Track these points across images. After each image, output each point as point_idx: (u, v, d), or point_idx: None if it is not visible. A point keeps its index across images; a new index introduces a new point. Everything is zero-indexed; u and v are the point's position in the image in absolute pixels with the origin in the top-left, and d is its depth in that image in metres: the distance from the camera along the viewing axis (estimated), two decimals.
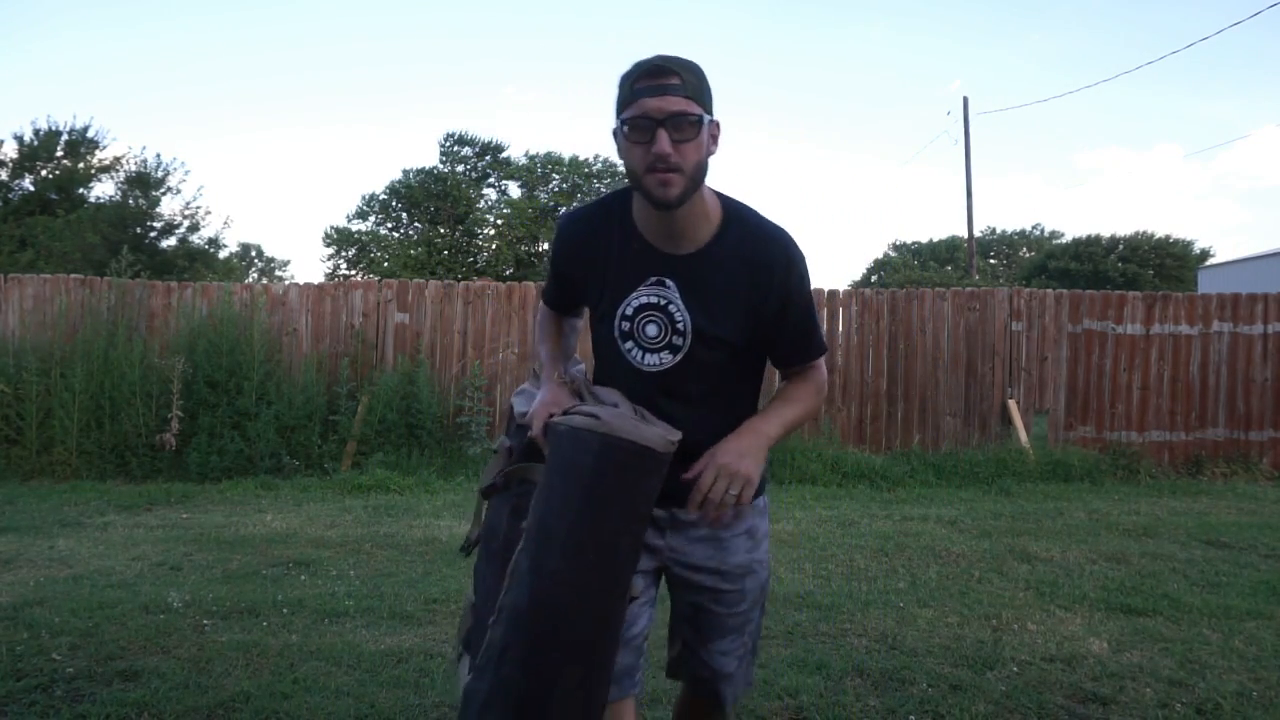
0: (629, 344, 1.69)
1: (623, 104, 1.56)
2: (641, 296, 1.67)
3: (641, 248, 1.67)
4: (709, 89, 1.60)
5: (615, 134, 1.62)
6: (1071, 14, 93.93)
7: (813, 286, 1.78)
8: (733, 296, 1.65)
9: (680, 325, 1.66)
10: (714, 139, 1.62)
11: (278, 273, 55.32)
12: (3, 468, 6.99)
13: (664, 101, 1.52)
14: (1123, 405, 8.23)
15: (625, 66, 1.58)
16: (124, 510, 5.87)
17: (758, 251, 1.66)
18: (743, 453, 1.59)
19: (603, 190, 39.93)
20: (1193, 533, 5.52)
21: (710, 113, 1.59)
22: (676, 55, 1.58)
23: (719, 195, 1.70)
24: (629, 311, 1.68)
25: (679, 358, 1.67)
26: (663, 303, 1.66)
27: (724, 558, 1.76)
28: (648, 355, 1.68)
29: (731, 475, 1.56)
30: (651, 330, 1.68)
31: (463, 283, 8.49)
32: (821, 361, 1.80)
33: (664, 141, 1.52)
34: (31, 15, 69.41)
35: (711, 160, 1.61)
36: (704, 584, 1.76)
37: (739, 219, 1.68)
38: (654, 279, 1.66)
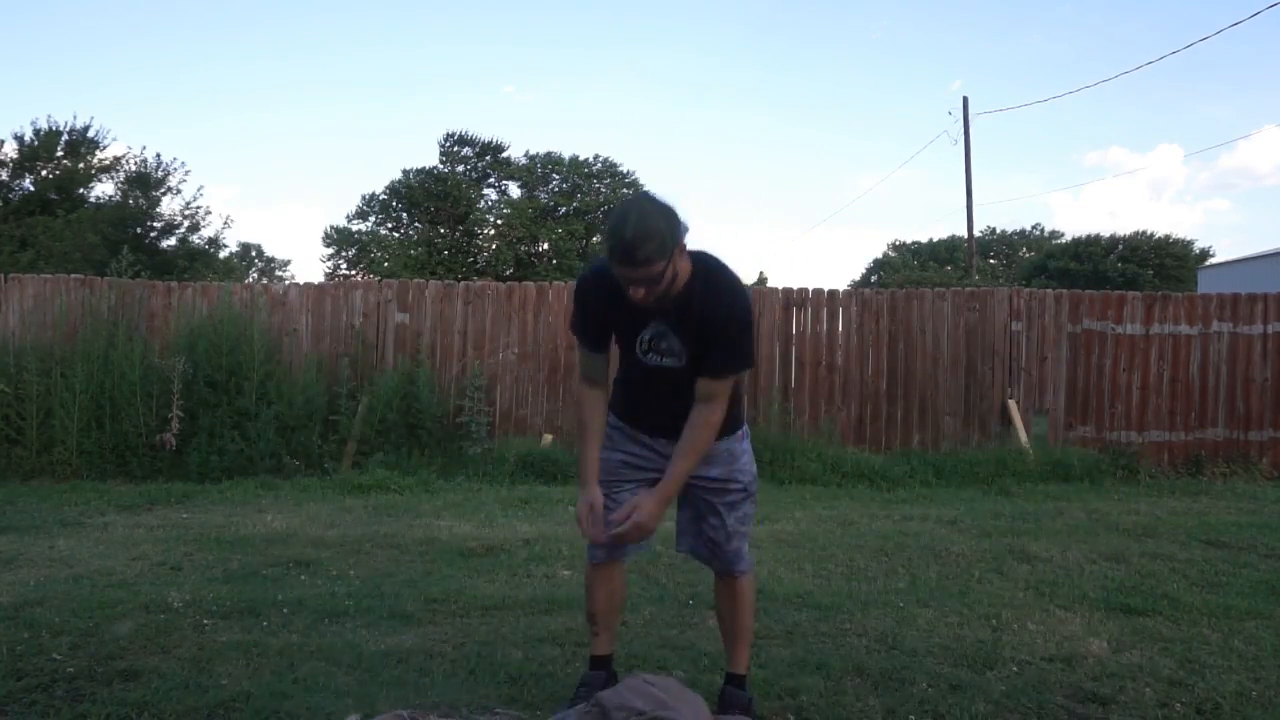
0: (650, 355, 2.47)
1: (610, 259, 2.23)
2: (648, 331, 2.44)
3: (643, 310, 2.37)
4: (672, 227, 2.21)
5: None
6: (1071, 14, 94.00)
7: (749, 312, 2.47)
8: (696, 328, 2.38)
9: (678, 348, 2.43)
10: (680, 255, 2.28)
11: (278, 273, 55.33)
12: (3, 468, 6.99)
13: (634, 273, 2.20)
14: (1122, 405, 8.23)
15: (609, 221, 2.25)
16: (124, 510, 5.87)
17: (709, 302, 2.36)
18: (651, 515, 2.43)
19: (602, 190, 39.91)
20: (1192, 533, 5.52)
21: (672, 244, 2.21)
22: (640, 215, 2.18)
23: (692, 256, 2.39)
24: (646, 337, 2.46)
25: (683, 363, 2.45)
26: (665, 331, 2.43)
27: (707, 470, 2.58)
28: (665, 359, 2.46)
29: (640, 528, 2.43)
30: (663, 345, 2.45)
31: (463, 283, 8.49)
32: (728, 383, 2.41)
33: (638, 294, 2.24)
34: (31, 15, 69.43)
35: (682, 259, 2.31)
36: (696, 483, 2.59)
37: (702, 277, 2.37)
38: (654, 321, 2.42)
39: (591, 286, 2.48)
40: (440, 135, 42.53)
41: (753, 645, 3.31)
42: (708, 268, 2.41)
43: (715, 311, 2.35)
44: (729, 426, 2.58)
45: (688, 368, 2.43)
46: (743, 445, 2.67)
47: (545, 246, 38.65)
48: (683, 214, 2.29)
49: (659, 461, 2.58)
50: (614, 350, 2.59)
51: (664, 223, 2.20)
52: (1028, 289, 8.78)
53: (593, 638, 2.81)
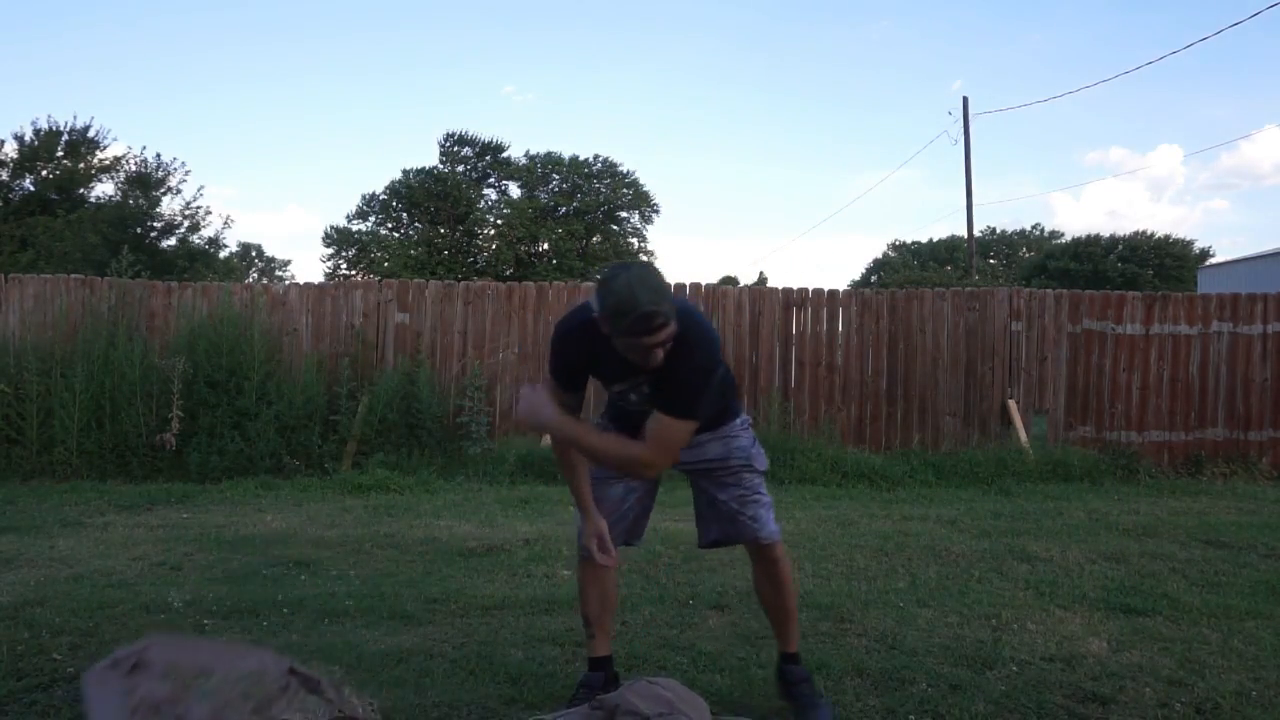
0: (623, 398, 2.58)
1: (621, 329, 2.24)
2: (627, 383, 2.52)
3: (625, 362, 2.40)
4: (668, 289, 2.28)
5: (601, 324, 2.30)
6: (1071, 14, 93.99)
7: (719, 355, 2.50)
8: (665, 373, 2.41)
9: (648, 392, 2.48)
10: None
11: (278, 273, 55.38)
12: (3, 468, 6.99)
13: (654, 339, 2.25)
14: (1122, 405, 8.23)
15: (619, 306, 2.21)
16: (124, 510, 5.87)
17: (681, 351, 2.35)
18: (534, 409, 2.47)
19: (601, 190, 39.91)
20: (1192, 532, 5.52)
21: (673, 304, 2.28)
22: (645, 283, 2.22)
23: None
24: (622, 387, 2.55)
25: (646, 401, 2.50)
26: (639, 383, 2.50)
27: (703, 453, 2.67)
28: (633, 397, 2.55)
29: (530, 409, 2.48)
30: (643, 389, 2.50)
31: (463, 283, 8.49)
32: (671, 427, 2.37)
33: (658, 356, 2.30)
34: (31, 15, 69.42)
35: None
36: (696, 467, 2.72)
37: (681, 332, 2.34)
38: (638, 379, 2.48)
39: (576, 338, 2.50)
40: (440, 135, 42.59)
41: (752, 645, 3.32)
42: (684, 328, 2.38)
43: (683, 362, 2.37)
44: (721, 418, 2.69)
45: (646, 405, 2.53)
46: (740, 430, 2.75)
47: (545, 246, 38.66)
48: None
49: None
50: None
51: (665, 286, 2.28)
52: (1028, 289, 8.78)
53: (589, 640, 2.82)
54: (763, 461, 2.78)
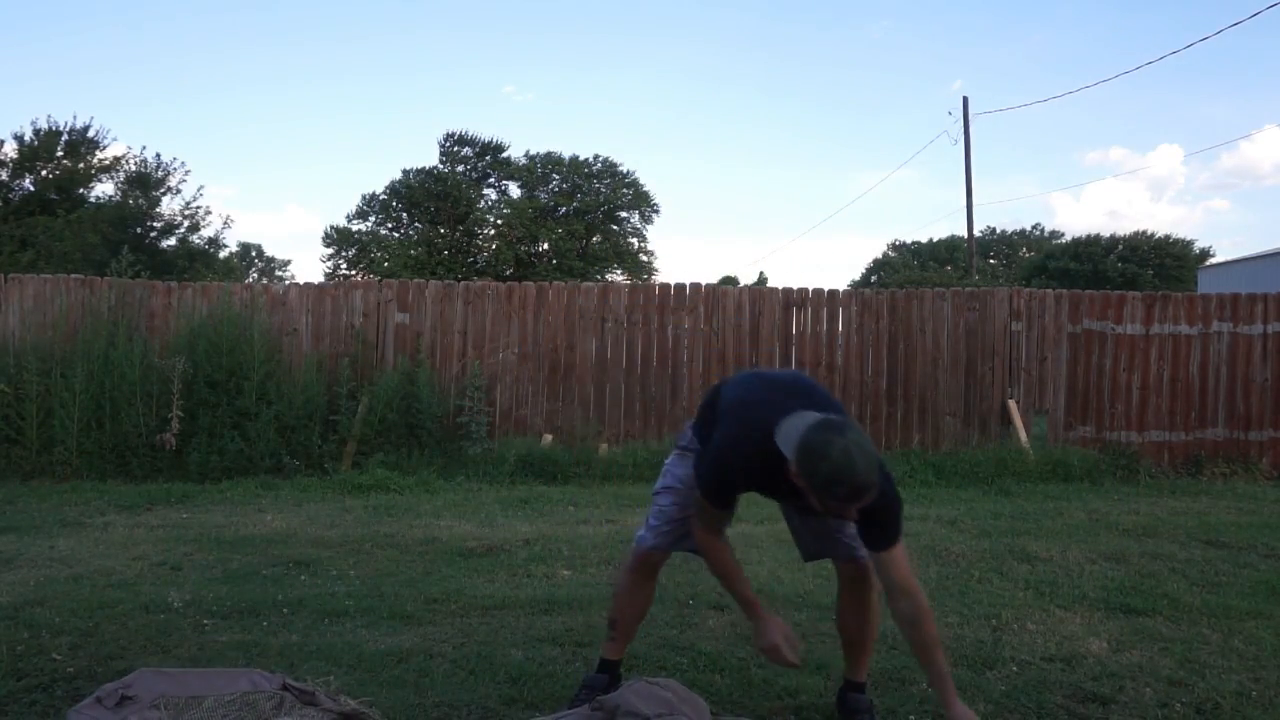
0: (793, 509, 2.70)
1: (828, 493, 2.18)
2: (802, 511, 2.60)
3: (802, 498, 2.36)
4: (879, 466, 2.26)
5: (795, 476, 2.25)
6: (1071, 14, 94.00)
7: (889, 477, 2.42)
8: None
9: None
10: None
11: (278, 273, 55.39)
12: (3, 468, 6.99)
13: (851, 506, 2.21)
14: (1122, 405, 8.23)
15: (837, 470, 2.16)
16: (124, 510, 5.86)
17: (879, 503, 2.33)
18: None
19: (601, 190, 39.89)
20: (1192, 533, 5.52)
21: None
22: (868, 454, 2.19)
23: None
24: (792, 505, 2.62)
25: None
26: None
27: None
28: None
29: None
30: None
31: (463, 283, 8.49)
32: (895, 558, 2.40)
33: (849, 514, 2.26)
34: (32, 15, 69.39)
35: None
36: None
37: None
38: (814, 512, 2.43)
39: (759, 469, 2.40)
40: (440, 135, 42.57)
41: (752, 645, 3.32)
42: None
43: (882, 508, 2.34)
44: None
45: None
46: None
47: (545, 246, 38.65)
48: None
49: None
50: None
51: (876, 454, 2.25)
52: (1028, 289, 8.78)
53: (609, 641, 2.83)
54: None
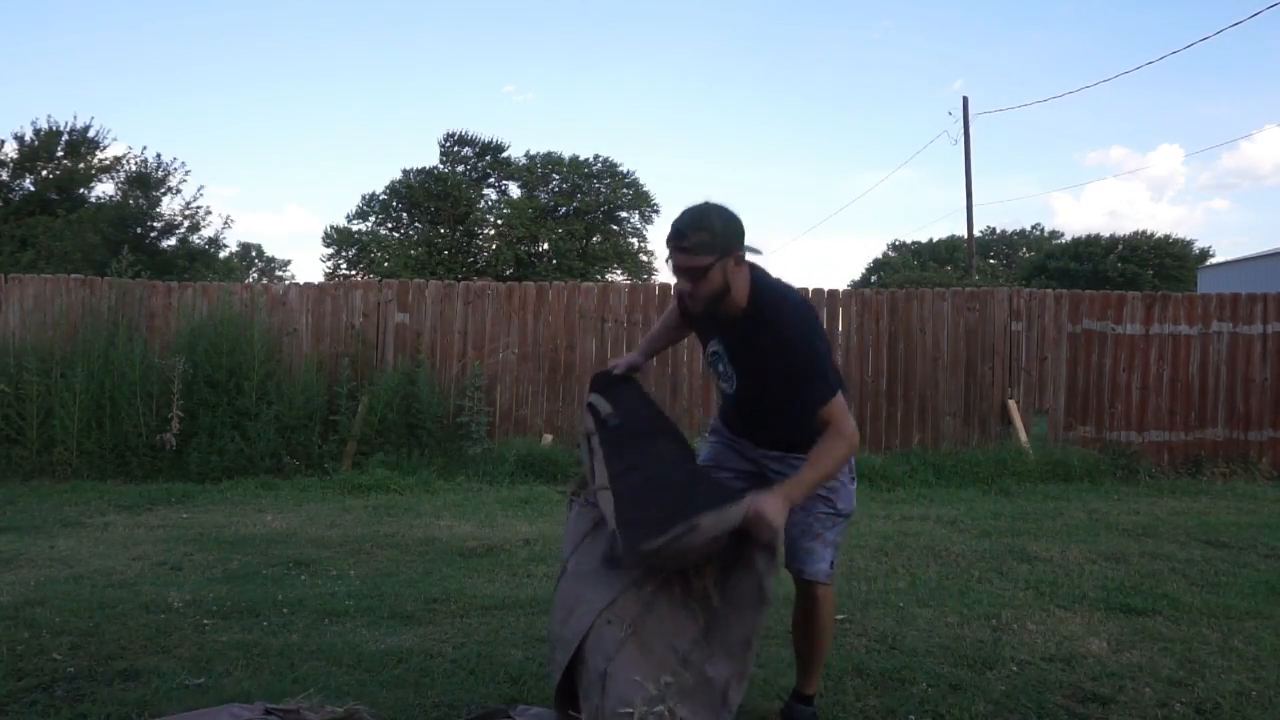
0: (711, 370, 2.66)
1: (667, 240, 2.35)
2: (711, 346, 2.57)
3: (712, 317, 2.47)
4: (728, 232, 2.31)
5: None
6: (1072, 14, 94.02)
7: (817, 342, 2.38)
8: (755, 354, 2.43)
9: (725, 370, 2.54)
10: (736, 265, 2.35)
11: (278, 273, 55.38)
12: (3, 468, 6.99)
13: (679, 258, 2.32)
14: (1122, 405, 8.23)
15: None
16: (124, 510, 5.87)
17: (763, 332, 2.38)
18: (776, 510, 2.16)
19: (601, 190, 39.90)
20: (1192, 533, 5.52)
21: (727, 251, 2.30)
22: (701, 210, 2.33)
23: (754, 283, 2.42)
24: (708, 353, 2.61)
25: (733, 389, 2.55)
26: (720, 353, 2.53)
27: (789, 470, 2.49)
28: (722, 381, 2.60)
29: (763, 523, 2.14)
30: (720, 367, 2.56)
31: (463, 283, 8.49)
32: (831, 408, 2.31)
33: (684, 286, 2.36)
34: (32, 15, 69.42)
35: (739, 276, 2.36)
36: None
37: (756, 304, 2.40)
38: (715, 337, 2.54)
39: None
40: (440, 135, 42.56)
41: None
42: (763, 296, 2.41)
43: (769, 343, 2.36)
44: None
45: (742, 394, 2.53)
46: (841, 481, 2.58)
47: (545, 246, 38.64)
48: (748, 237, 2.37)
49: (754, 453, 2.64)
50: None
51: (720, 223, 2.31)
52: (1028, 289, 8.78)
53: None
54: (847, 501, 2.58)
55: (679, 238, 2.30)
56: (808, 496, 2.33)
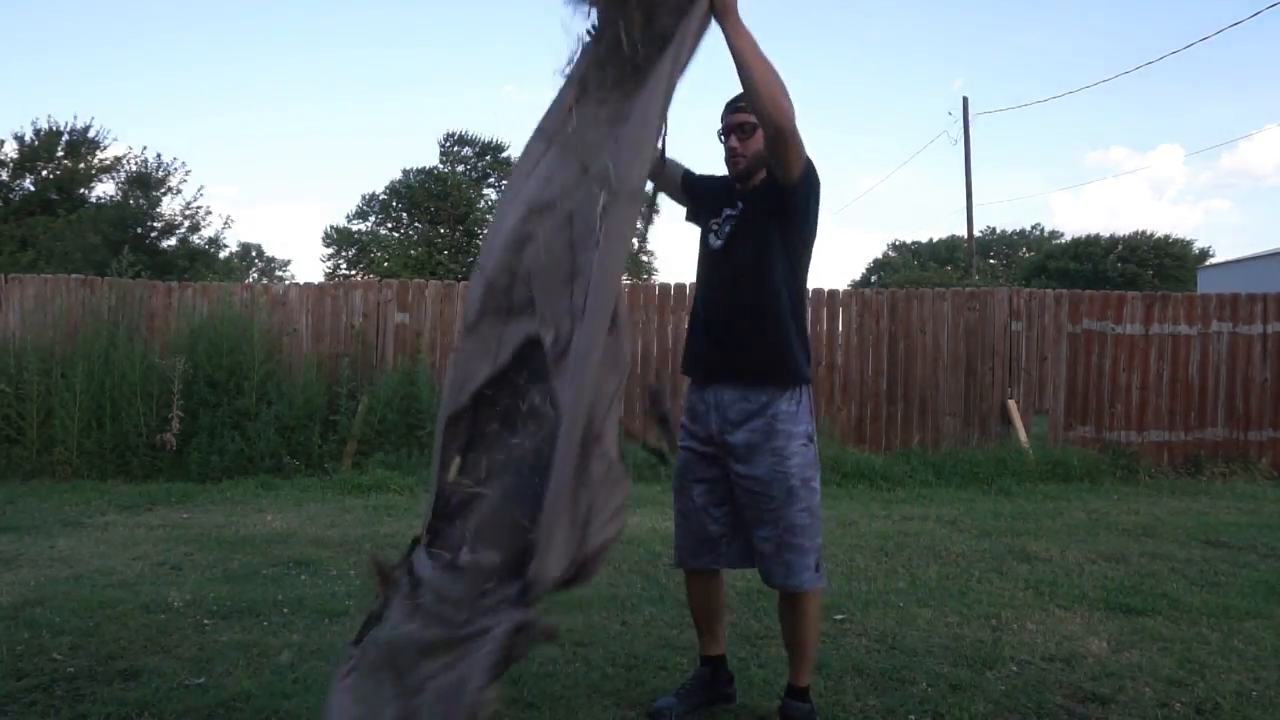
0: (707, 235, 2.78)
1: (723, 114, 2.72)
2: (726, 212, 2.74)
3: (734, 184, 2.77)
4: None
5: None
6: (1072, 14, 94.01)
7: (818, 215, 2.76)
8: (764, 215, 2.65)
9: (720, 230, 2.73)
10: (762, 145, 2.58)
11: (278, 273, 55.29)
12: (3, 468, 6.99)
13: (733, 118, 2.69)
14: (1122, 405, 8.23)
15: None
16: (124, 510, 5.87)
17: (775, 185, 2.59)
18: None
19: None
20: (1192, 532, 5.53)
21: (758, 120, 2.52)
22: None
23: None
24: (711, 224, 2.78)
25: (724, 242, 2.71)
26: (733, 214, 2.73)
27: (750, 468, 2.56)
28: (714, 237, 2.75)
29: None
30: (716, 229, 2.75)
31: (463, 283, 8.49)
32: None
33: (732, 142, 2.69)
34: (32, 15, 69.39)
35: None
36: (744, 484, 2.58)
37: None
38: (727, 207, 2.74)
39: (708, 177, 2.88)
40: (440, 135, 42.49)
41: (752, 645, 3.33)
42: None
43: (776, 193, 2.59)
44: (782, 375, 2.60)
45: (729, 247, 2.66)
46: (795, 443, 2.57)
47: None
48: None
49: (726, 461, 2.63)
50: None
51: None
52: (1028, 289, 8.78)
53: (699, 639, 2.88)
54: (817, 479, 2.61)
55: (736, 100, 2.65)
56: (740, 35, 2.35)
